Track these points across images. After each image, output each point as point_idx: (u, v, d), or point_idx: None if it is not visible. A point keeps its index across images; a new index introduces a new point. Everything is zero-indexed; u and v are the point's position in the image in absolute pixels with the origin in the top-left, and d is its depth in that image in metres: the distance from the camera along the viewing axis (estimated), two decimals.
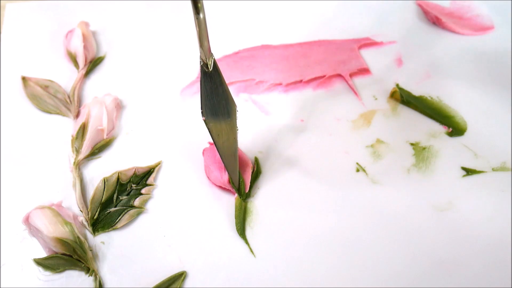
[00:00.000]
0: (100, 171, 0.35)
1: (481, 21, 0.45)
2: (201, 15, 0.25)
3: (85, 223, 0.32)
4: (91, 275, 0.30)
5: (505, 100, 0.39)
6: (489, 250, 0.32)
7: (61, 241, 0.30)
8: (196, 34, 0.26)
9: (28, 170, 0.35)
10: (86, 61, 0.41)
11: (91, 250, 0.31)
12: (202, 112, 0.29)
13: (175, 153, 0.36)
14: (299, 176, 0.35)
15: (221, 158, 0.31)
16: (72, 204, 0.33)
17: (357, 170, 0.35)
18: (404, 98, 0.39)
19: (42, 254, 0.31)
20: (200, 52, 0.27)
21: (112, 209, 0.33)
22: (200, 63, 0.28)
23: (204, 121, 0.29)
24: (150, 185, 0.34)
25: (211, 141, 0.35)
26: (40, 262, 0.31)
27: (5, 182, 0.35)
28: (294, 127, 0.38)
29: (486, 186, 0.35)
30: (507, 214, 0.33)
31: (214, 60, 0.28)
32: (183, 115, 0.38)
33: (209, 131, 0.30)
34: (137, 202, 0.33)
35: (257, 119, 0.38)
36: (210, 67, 0.28)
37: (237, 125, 0.31)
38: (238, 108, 0.31)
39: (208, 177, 0.35)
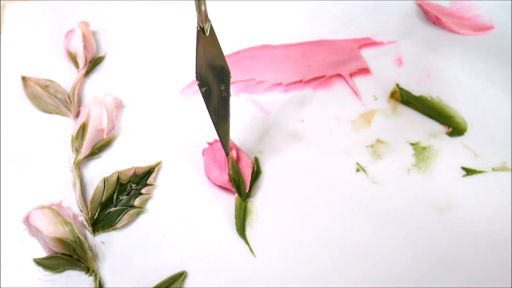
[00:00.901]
0: (100, 171, 0.35)
1: (481, 21, 0.45)
2: None
3: (85, 223, 0.32)
4: (91, 275, 0.30)
5: (505, 100, 0.39)
6: (489, 250, 0.32)
7: (61, 241, 0.30)
8: None
9: (28, 170, 0.35)
10: (86, 61, 0.41)
11: (91, 250, 0.31)
12: (196, 76, 0.29)
13: (175, 153, 0.36)
14: (299, 176, 0.35)
15: (214, 125, 0.31)
16: (72, 204, 0.33)
17: (357, 170, 0.35)
18: (404, 98, 0.39)
19: (42, 254, 0.31)
20: (197, 17, 0.27)
21: (112, 209, 0.33)
22: (197, 28, 0.27)
23: (198, 85, 0.29)
24: (150, 185, 0.34)
25: (211, 141, 0.35)
26: (40, 262, 0.31)
27: (5, 182, 0.34)
28: (294, 127, 0.38)
29: (486, 186, 0.34)
30: (507, 214, 0.33)
31: (211, 25, 0.28)
32: (183, 115, 0.38)
33: (203, 96, 0.30)
34: (137, 202, 0.33)
35: (257, 119, 0.38)
36: (207, 32, 0.28)
37: (230, 92, 0.31)
38: (232, 75, 0.30)
39: (208, 177, 0.35)
